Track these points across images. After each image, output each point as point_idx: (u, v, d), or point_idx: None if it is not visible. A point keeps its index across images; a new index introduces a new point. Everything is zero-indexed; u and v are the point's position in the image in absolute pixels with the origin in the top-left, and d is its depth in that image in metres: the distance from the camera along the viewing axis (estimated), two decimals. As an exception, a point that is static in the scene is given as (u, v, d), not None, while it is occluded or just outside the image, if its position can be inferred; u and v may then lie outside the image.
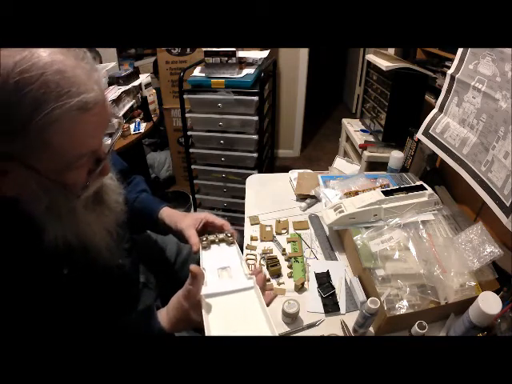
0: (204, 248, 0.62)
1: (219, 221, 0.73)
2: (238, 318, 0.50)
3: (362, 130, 1.58)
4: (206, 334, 0.46)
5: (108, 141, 0.51)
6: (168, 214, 0.77)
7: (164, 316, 0.57)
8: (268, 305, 0.55)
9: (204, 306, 0.50)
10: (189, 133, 1.60)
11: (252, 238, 0.93)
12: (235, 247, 0.62)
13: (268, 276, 0.81)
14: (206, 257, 0.61)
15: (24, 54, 0.37)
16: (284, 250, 0.88)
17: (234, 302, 0.52)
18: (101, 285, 0.58)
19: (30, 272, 0.46)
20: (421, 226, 0.79)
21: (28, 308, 0.46)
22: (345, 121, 1.73)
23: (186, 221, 0.72)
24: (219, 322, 0.49)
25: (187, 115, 1.55)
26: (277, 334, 0.47)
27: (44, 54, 0.38)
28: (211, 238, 0.63)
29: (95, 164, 0.48)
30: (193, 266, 0.51)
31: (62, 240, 0.49)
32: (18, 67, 0.37)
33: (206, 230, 0.74)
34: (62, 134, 0.41)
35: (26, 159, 0.41)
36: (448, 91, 0.91)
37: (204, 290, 0.52)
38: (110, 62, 1.84)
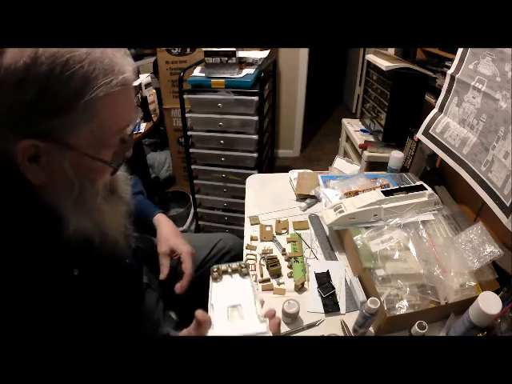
0: (215, 279, 0.57)
1: (186, 265, 0.78)
2: None
3: (362, 130, 1.58)
4: None
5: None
6: (159, 227, 0.84)
7: None
8: None
9: None
10: (189, 133, 1.60)
11: (252, 238, 0.93)
12: (249, 280, 0.57)
13: (268, 276, 0.81)
14: (215, 291, 0.55)
15: None
16: (284, 250, 0.88)
17: None
18: (109, 285, 0.57)
19: (40, 271, 0.46)
20: (421, 226, 0.79)
21: (35, 307, 0.45)
22: (345, 121, 1.73)
23: (164, 248, 0.80)
24: None
25: (187, 115, 1.55)
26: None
27: None
28: (223, 267, 0.58)
29: (121, 144, 0.50)
30: (198, 313, 0.47)
31: (82, 232, 0.49)
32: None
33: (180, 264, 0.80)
34: (107, 108, 0.43)
35: (64, 137, 0.42)
36: (448, 91, 0.91)
37: (211, 333, 0.48)
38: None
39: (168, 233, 0.83)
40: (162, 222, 0.86)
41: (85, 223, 0.49)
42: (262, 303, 0.53)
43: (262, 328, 0.49)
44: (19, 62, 0.37)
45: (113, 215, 0.55)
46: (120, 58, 0.44)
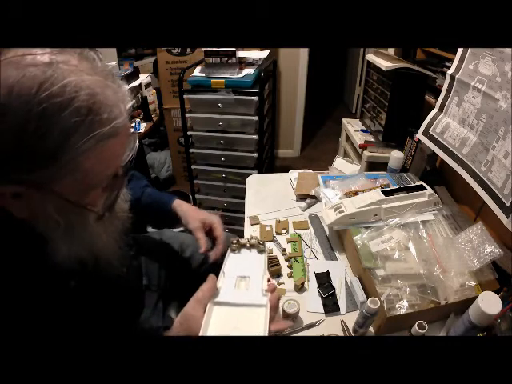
0: (233, 251, 0.60)
1: (218, 231, 0.80)
2: (236, 331, 0.49)
3: (362, 130, 1.58)
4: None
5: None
6: (181, 208, 0.82)
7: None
8: (277, 331, 0.54)
9: (207, 312, 0.49)
10: (189, 133, 1.60)
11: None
12: (263, 257, 0.60)
13: (268, 276, 0.81)
14: (230, 260, 0.59)
15: (48, 72, 0.34)
16: (284, 250, 0.88)
17: (239, 315, 0.51)
18: (107, 294, 0.57)
19: (35, 288, 0.45)
20: (421, 226, 0.79)
21: (33, 321, 0.45)
22: (345, 121, 1.73)
23: (196, 222, 0.78)
24: (216, 331, 0.48)
25: (187, 115, 1.55)
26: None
27: (71, 74, 0.35)
28: (242, 241, 0.62)
29: (112, 179, 0.46)
30: (211, 276, 0.51)
31: (74, 256, 0.47)
32: (44, 90, 0.33)
33: (211, 232, 0.80)
34: (92, 161, 0.39)
35: (46, 185, 0.39)
36: (448, 91, 0.91)
37: (217, 299, 0.51)
38: (110, 62, 1.83)
39: (192, 210, 0.83)
40: (181, 204, 0.84)
41: (75, 249, 0.47)
42: (268, 280, 0.55)
43: (262, 301, 0.52)
44: None
45: (106, 235, 0.53)
46: (112, 97, 0.39)
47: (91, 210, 0.44)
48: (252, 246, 0.61)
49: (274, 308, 0.53)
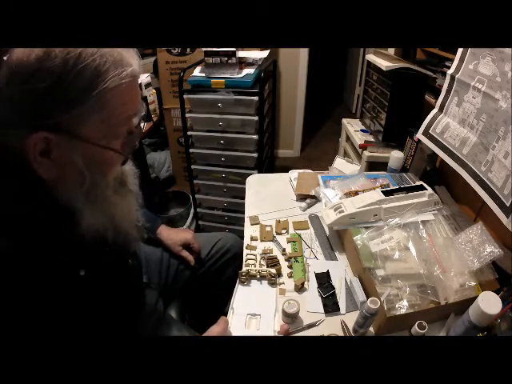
0: (242, 283, 0.57)
1: (195, 246, 0.96)
2: None
3: (362, 130, 1.58)
4: None
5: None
6: (163, 235, 0.94)
7: None
8: None
9: None
10: (189, 133, 1.60)
11: (252, 238, 0.93)
12: (274, 291, 0.56)
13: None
14: (240, 295, 0.55)
15: None
16: (284, 250, 0.88)
17: None
18: (112, 285, 0.58)
19: (48, 270, 0.46)
20: (421, 226, 0.79)
21: (38, 306, 0.45)
22: (345, 121, 1.73)
23: (177, 247, 0.93)
24: None
25: (187, 115, 1.55)
26: None
27: None
28: (252, 272, 0.58)
29: (128, 135, 0.51)
30: (223, 319, 0.51)
31: (95, 226, 0.49)
32: None
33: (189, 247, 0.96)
34: (116, 98, 0.44)
35: (76, 128, 0.43)
36: (448, 91, 0.91)
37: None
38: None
39: (171, 236, 0.94)
40: (162, 232, 0.94)
41: (97, 217, 0.50)
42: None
43: None
44: (31, 55, 0.38)
45: (124, 207, 0.56)
46: (127, 52, 0.45)
47: (117, 151, 0.48)
48: (262, 278, 0.58)
49: None
